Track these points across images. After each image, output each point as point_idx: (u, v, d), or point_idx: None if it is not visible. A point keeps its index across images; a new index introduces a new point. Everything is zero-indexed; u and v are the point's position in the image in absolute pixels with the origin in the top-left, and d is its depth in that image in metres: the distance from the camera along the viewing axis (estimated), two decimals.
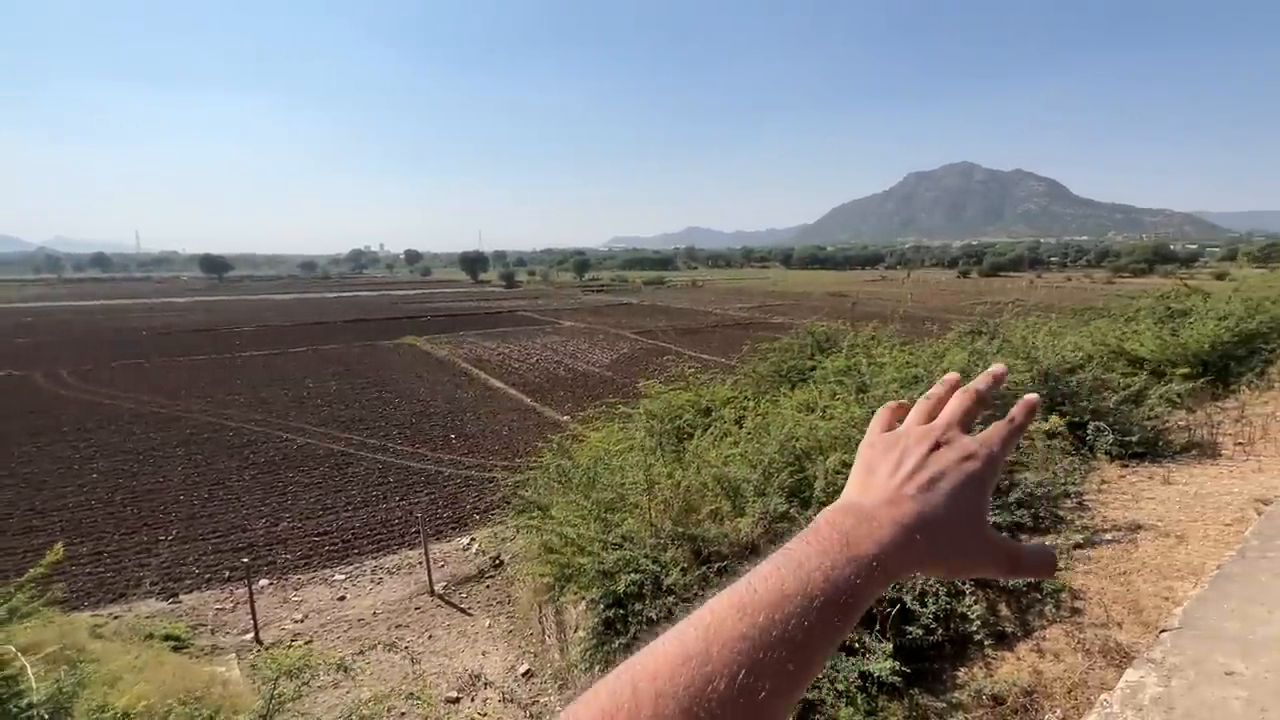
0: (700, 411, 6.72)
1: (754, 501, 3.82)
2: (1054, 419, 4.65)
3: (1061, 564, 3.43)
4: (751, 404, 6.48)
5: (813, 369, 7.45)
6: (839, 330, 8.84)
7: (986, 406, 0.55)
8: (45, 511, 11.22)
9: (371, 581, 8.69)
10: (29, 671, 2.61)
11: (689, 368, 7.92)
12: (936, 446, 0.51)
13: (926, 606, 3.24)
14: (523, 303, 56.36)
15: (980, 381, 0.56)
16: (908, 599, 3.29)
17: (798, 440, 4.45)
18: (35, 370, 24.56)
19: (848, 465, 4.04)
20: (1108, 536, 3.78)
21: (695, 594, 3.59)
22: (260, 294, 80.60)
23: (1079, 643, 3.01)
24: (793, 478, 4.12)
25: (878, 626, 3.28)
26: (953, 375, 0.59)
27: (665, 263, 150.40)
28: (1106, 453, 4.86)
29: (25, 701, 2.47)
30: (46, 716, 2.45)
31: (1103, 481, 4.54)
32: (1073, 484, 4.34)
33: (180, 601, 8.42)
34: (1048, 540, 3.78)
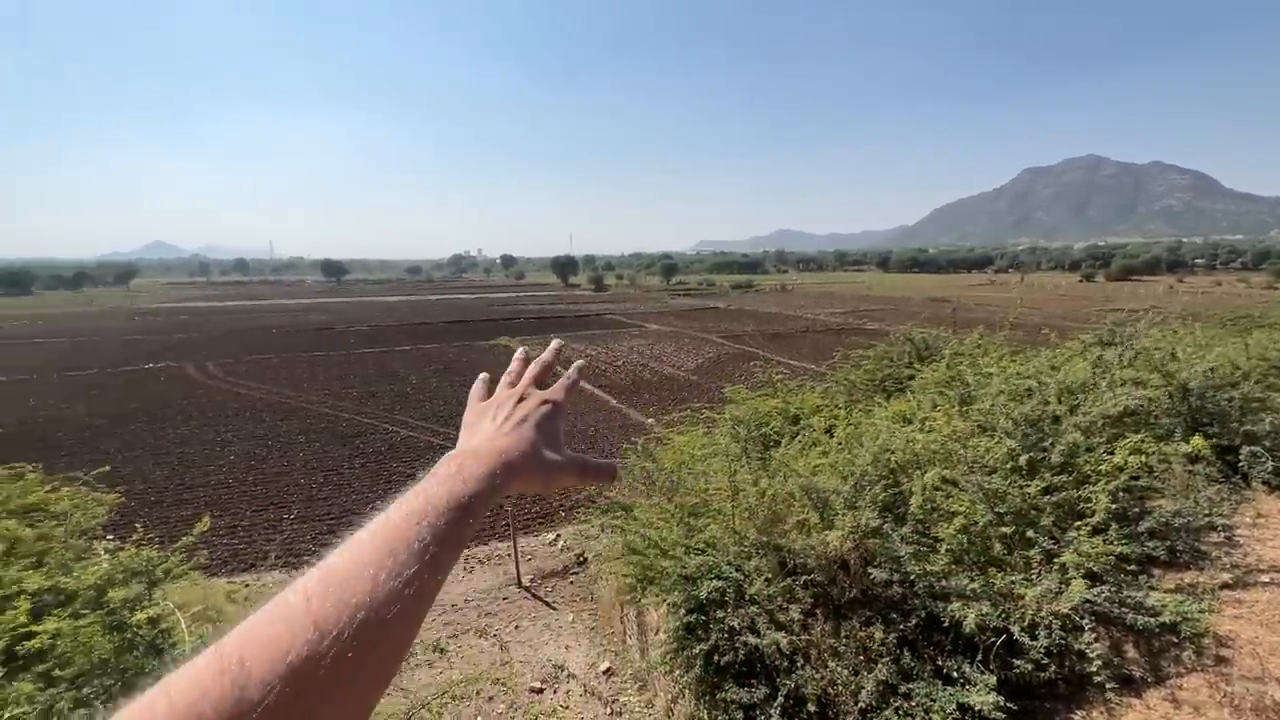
0: (788, 419, 6.54)
1: (844, 514, 3.66)
2: (1197, 440, 4.12)
3: (1204, 604, 3.03)
4: (843, 413, 6.22)
5: (911, 378, 7.04)
6: (941, 337, 8.31)
7: (552, 370, 0.79)
8: (193, 487, 12.75)
9: (464, 570, 9.15)
10: (183, 626, 3.00)
11: (776, 373, 7.73)
12: (521, 400, 0.73)
13: (1037, 640, 2.97)
14: (610, 305, 57.39)
15: (546, 355, 0.83)
16: (1015, 629, 3.03)
17: (893, 453, 4.22)
18: (188, 362, 28.01)
19: (948, 480, 3.78)
20: (1265, 578, 3.30)
21: (779, 605, 3.49)
22: (372, 296, 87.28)
23: (1225, 696, 2.64)
24: (886, 492, 3.91)
25: (979, 656, 3.05)
26: (521, 350, 0.84)
27: (753, 266, 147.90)
28: (1264, 482, 4.24)
29: (178, 652, 2.84)
30: None
31: (1259, 515, 3.96)
32: (1220, 515, 3.82)
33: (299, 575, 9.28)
34: (1186, 578, 3.36)
